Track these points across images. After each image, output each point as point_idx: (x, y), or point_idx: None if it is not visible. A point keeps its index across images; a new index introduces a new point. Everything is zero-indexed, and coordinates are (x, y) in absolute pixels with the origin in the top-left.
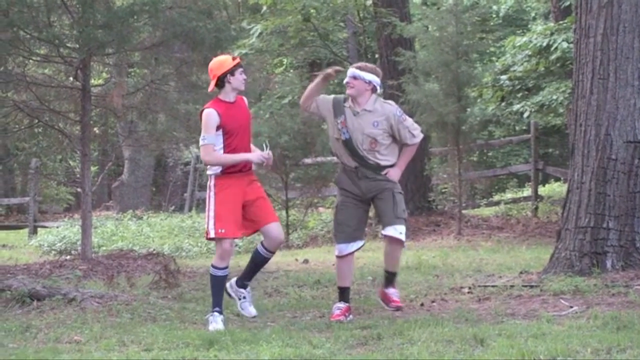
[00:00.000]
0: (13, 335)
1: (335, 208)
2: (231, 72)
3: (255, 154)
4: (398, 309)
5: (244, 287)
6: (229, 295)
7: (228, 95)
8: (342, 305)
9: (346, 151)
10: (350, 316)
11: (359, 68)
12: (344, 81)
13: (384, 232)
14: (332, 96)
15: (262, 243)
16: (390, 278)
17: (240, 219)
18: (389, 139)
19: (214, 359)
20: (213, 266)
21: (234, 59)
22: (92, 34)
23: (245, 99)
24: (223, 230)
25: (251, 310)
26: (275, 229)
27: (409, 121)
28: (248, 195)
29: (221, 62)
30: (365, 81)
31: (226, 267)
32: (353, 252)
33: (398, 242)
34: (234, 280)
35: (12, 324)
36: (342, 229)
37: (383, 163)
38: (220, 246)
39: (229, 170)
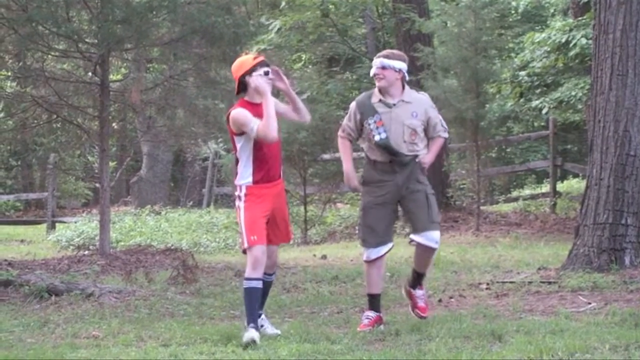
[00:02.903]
0: (31, 330)
1: (361, 211)
2: (250, 73)
3: (263, 83)
4: (422, 318)
5: (259, 316)
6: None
7: (253, 96)
8: (372, 314)
9: (380, 150)
10: (381, 326)
11: (387, 57)
12: (371, 73)
13: (417, 239)
14: (354, 102)
15: None
16: (418, 278)
17: (265, 228)
18: (423, 131)
19: (231, 354)
20: (246, 278)
21: (255, 58)
22: (110, 29)
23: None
24: (255, 238)
25: (273, 332)
26: (272, 252)
27: (439, 114)
28: (275, 209)
29: (240, 63)
30: (395, 70)
31: (259, 279)
32: (382, 256)
33: (431, 249)
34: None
35: (30, 319)
36: (372, 233)
37: (421, 153)
38: (252, 254)
39: (260, 179)
